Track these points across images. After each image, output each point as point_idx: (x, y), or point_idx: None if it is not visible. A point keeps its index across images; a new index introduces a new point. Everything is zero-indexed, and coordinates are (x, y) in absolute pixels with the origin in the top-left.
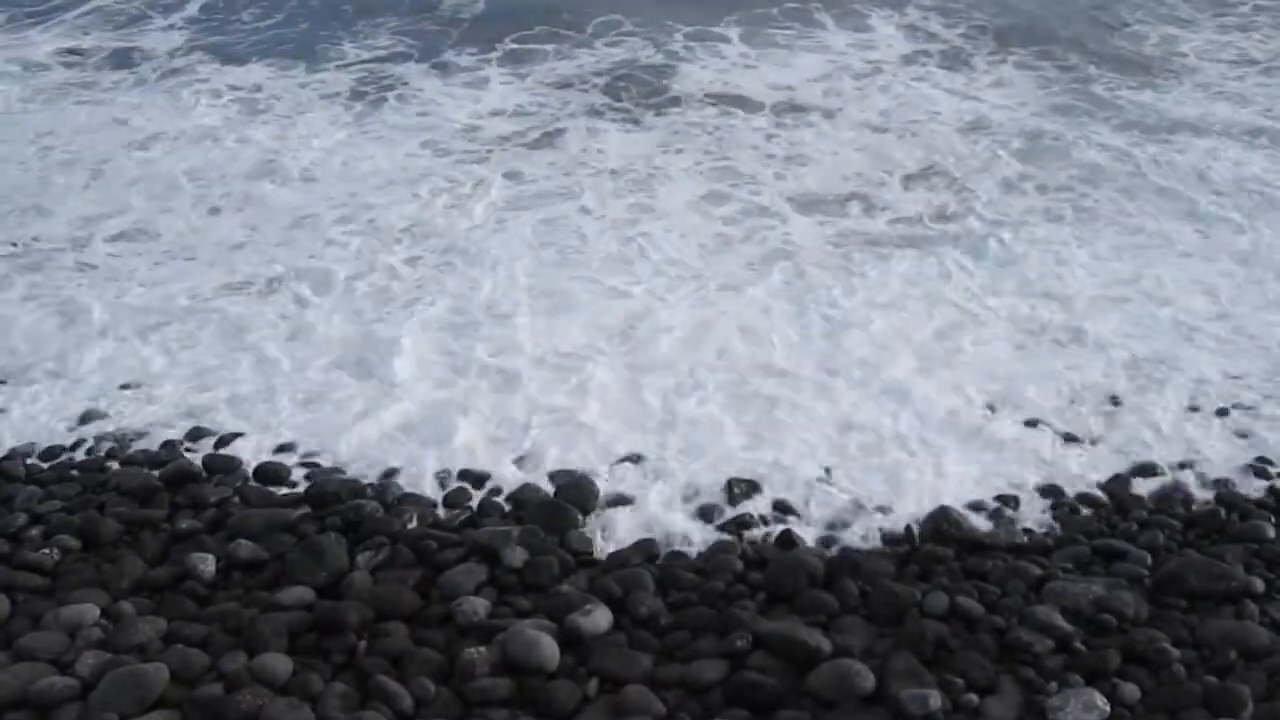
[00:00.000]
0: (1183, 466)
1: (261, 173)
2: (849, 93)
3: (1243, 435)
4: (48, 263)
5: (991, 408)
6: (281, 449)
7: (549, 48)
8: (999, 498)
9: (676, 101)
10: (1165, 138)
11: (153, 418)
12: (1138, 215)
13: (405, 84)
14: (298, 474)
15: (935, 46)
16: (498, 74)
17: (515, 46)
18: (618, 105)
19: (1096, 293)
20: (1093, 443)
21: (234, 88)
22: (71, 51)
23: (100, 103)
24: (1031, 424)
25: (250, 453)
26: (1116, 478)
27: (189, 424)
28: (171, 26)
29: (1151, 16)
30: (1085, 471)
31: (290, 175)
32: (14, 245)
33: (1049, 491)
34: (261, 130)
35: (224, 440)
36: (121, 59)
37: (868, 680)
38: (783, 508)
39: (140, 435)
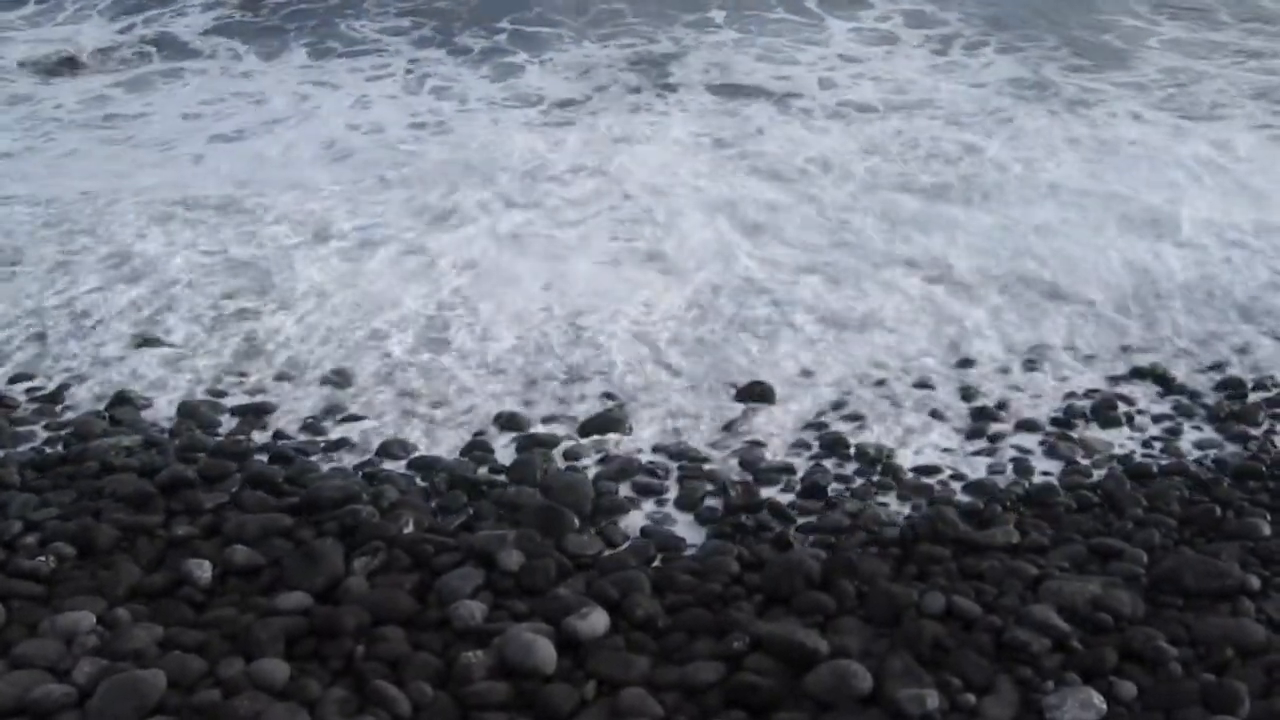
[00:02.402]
0: None
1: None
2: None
3: None
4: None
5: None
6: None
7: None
8: (994, 497)
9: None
10: None
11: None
12: None
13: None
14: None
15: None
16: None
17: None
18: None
19: None
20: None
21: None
22: (67, 63)
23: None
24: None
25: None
26: (1112, 476)
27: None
28: (204, 7)
29: None
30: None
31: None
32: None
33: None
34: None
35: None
36: (155, 48)
37: (865, 681)
38: (776, 509)
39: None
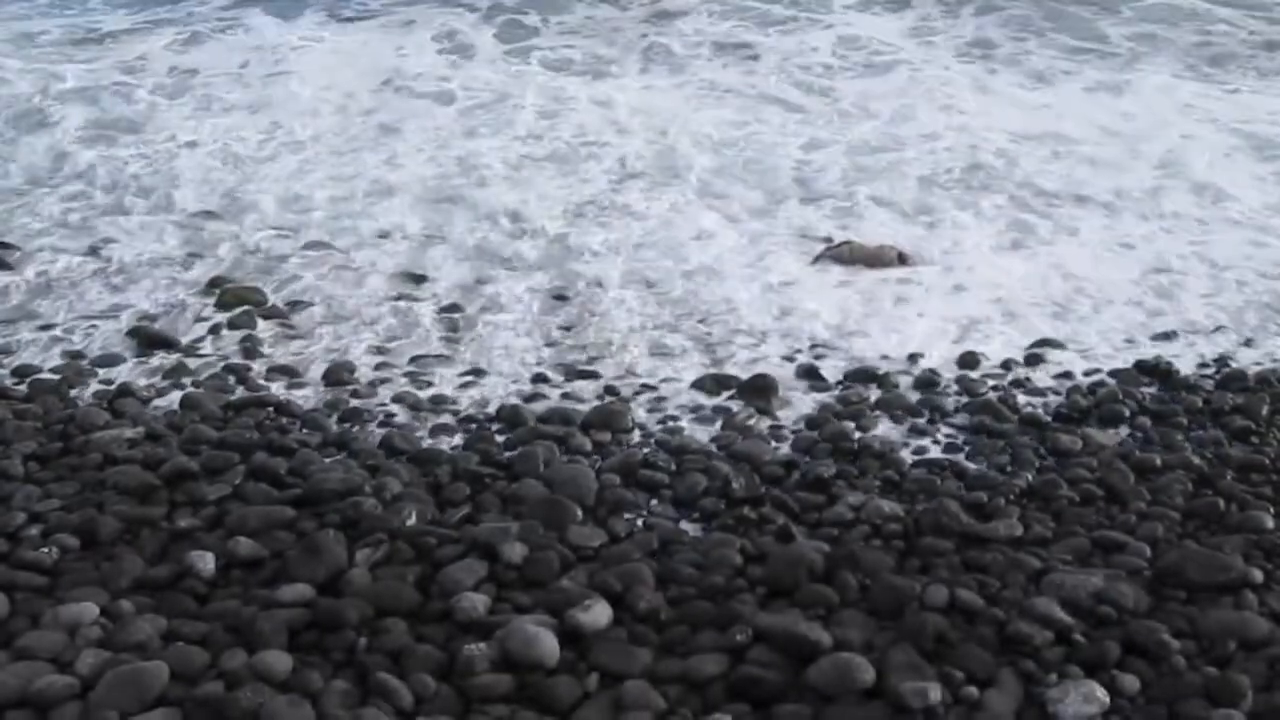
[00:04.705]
0: None
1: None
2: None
3: None
4: None
5: None
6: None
7: None
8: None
9: None
10: None
11: None
12: None
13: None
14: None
15: None
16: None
17: None
18: None
19: None
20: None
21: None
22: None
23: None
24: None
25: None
26: (1112, 468)
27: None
28: None
29: None
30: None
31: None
32: None
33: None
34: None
35: None
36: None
37: (868, 673)
38: (779, 502)
39: None
